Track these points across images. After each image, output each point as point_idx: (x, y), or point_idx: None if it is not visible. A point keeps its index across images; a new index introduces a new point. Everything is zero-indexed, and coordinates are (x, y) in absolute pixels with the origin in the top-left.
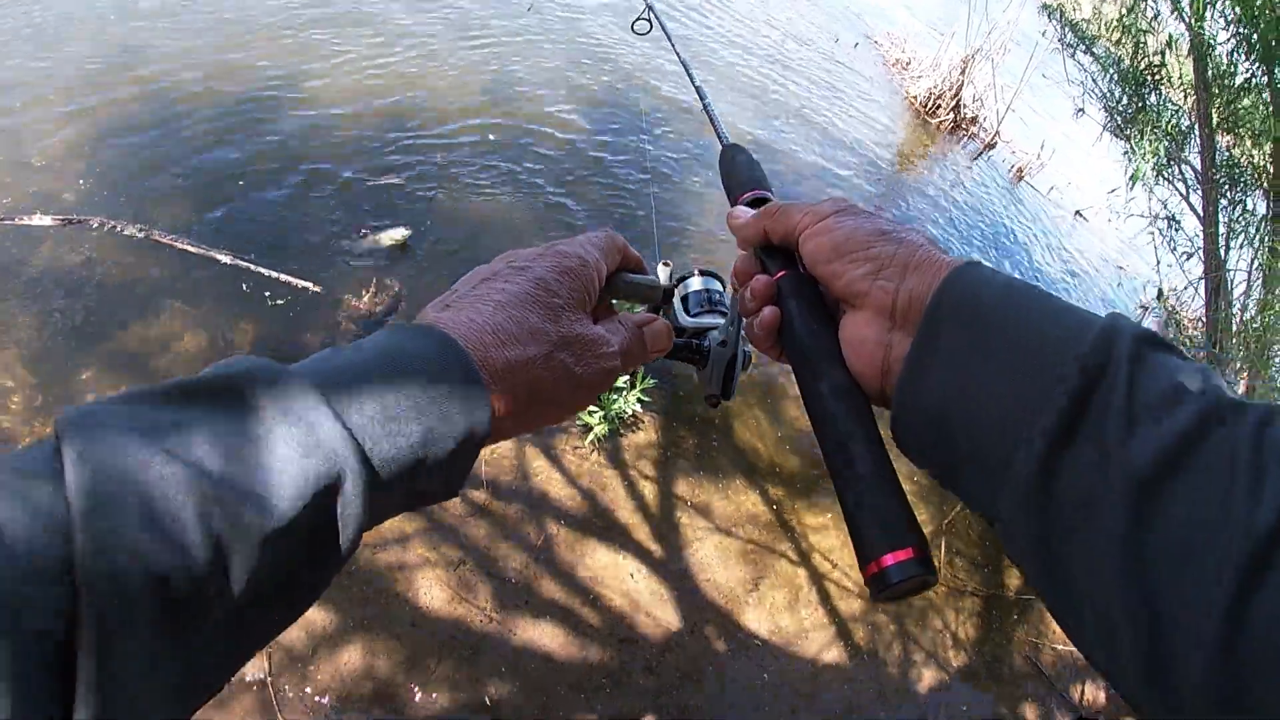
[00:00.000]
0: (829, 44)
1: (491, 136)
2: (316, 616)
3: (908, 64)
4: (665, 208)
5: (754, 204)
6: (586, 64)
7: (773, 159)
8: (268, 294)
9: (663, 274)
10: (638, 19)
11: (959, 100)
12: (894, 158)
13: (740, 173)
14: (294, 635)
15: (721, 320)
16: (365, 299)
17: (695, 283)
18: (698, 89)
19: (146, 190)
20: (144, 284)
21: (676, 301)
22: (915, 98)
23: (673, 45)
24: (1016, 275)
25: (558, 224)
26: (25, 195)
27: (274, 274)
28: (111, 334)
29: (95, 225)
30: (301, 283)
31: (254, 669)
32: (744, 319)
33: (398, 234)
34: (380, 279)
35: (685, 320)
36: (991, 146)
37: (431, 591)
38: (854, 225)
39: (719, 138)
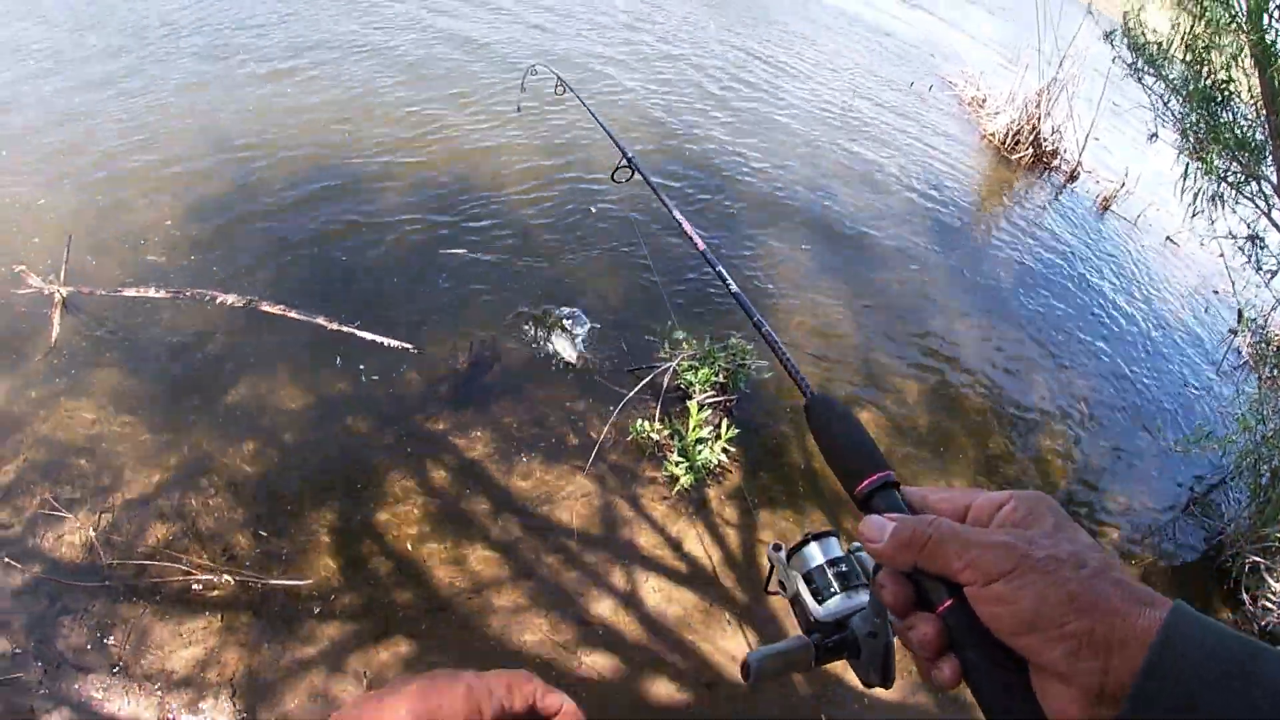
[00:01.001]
0: (904, 88)
1: (570, 207)
2: (415, 652)
3: (983, 101)
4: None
5: (881, 494)
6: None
7: (855, 206)
8: (365, 355)
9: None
10: (617, 168)
11: (1038, 134)
12: (976, 197)
13: (847, 449)
14: (393, 668)
15: (860, 597)
16: (461, 359)
17: (814, 555)
18: (743, 305)
19: (250, 262)
20: (248, 349)
21: (799, 586)
22: (994, 135)
23: (661, 199)
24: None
25: (636, 285)
26: (140, 268)
27: (371, 336)
28: (219, 396)
29: (204, 297)
30: (398, 344)
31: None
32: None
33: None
34: (472, 340)
35: (820, 612)
36: (1074, 178)
37: (524, 634)
38: (1037, 595)
39: (800, 389)
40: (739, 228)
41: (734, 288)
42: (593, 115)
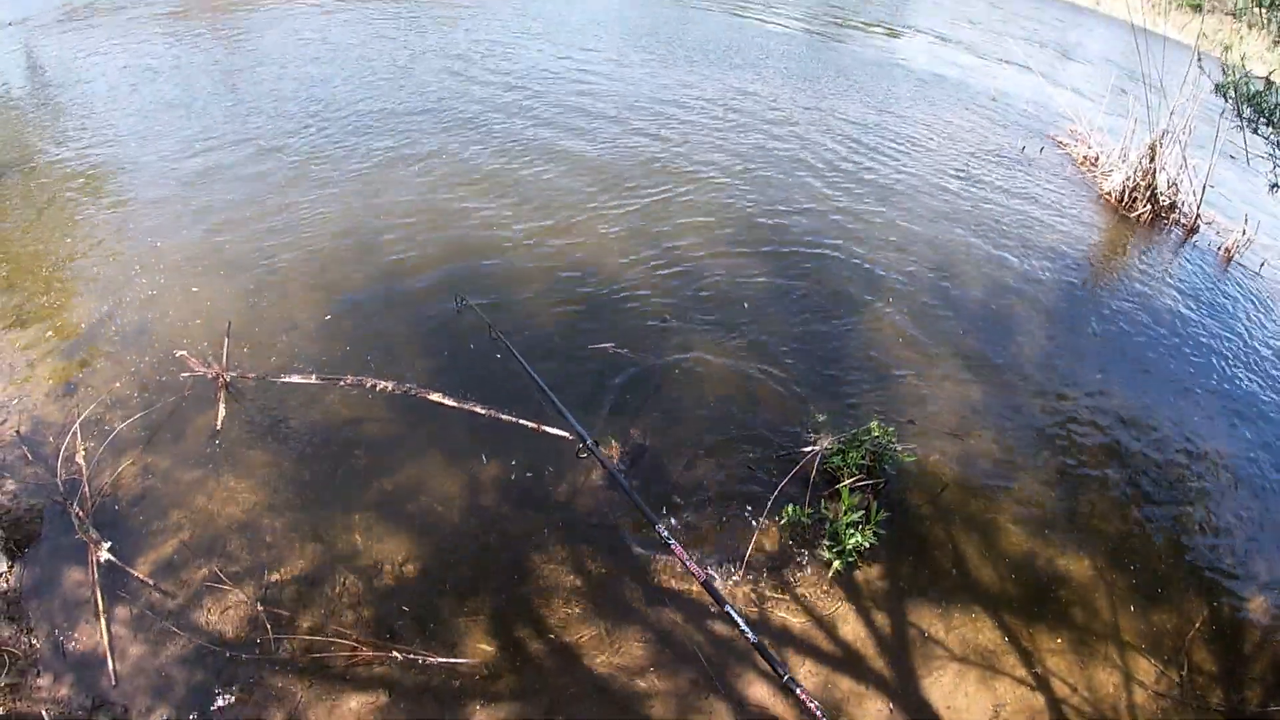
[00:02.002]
0: (1015, 153)
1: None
2: None
3: (1095, 160)
4: (814, 348)
5: None
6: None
7: (975, 276)
8: (519, 444)
9: None
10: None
11: (1154, 189)
12: (1096, 258)
13: None
14: None
15: None
16: (614, 447)
17: None
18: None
19: (403, 353)
20: (405, 436)
21: None
22: (1110, 194)
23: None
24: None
25: (772, 370)
26: (294, 356)
27: (522, 422)
28: (376, 480)
29: (361, 384)
30: (556, 431)
31: None
32: None
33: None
34: (627, 429)
35: None
36: (1194, 231)
37: (687, 716)
38: None
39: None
40: (859, 297)
41: (753, 638)
42: (616, 477)
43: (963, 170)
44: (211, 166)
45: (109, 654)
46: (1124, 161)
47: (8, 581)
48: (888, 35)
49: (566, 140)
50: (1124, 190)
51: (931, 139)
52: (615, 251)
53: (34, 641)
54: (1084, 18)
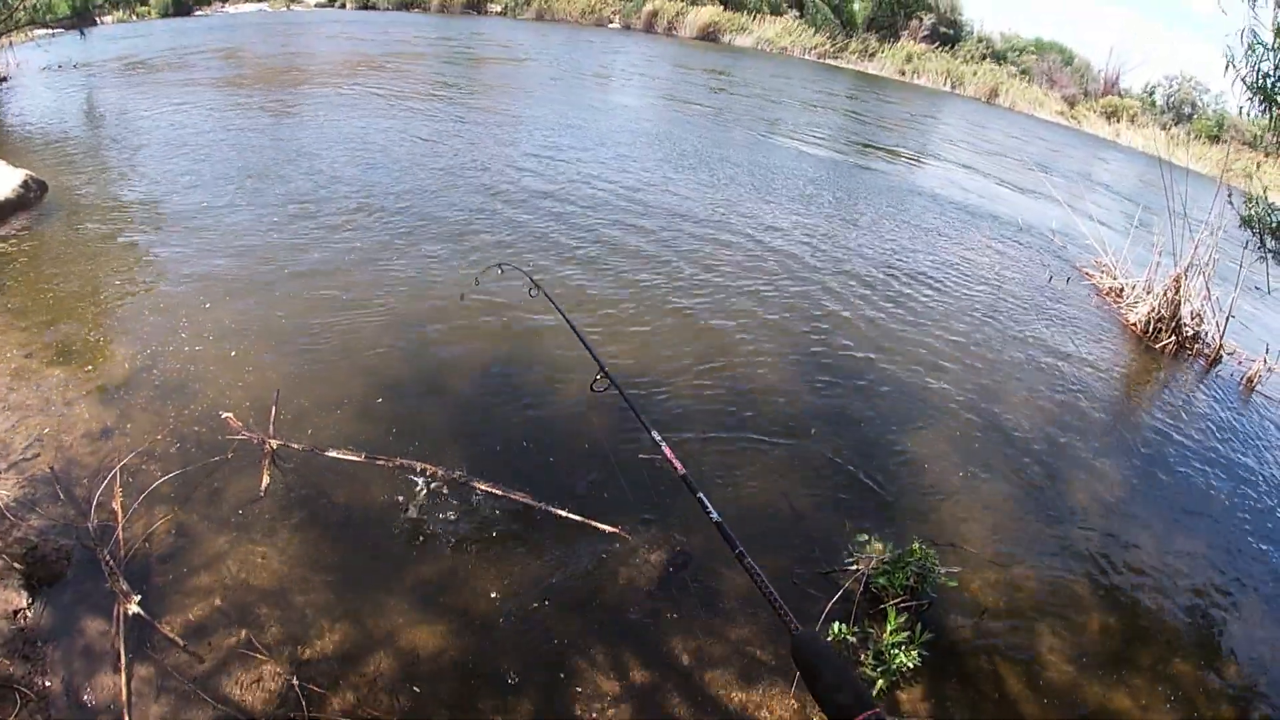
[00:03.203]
0: (1043, 282)
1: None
2: None
3: (1120, 291)
4: (862, 457)
5: None
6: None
7: (1002, 402)
8: (566, 537)
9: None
10: (595, 380)
11: (1178, 320)
12: (1121, 391)
13: (839, 683)
14: None
15: None
16: (664, 549)
17: None
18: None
19: (449, 439)
20: (446, 522)
21: None
22: (1135, 325)
23: (638, 416)
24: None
25: (810, 481)
26: (339, 433)
27: (569, 515)
28: (416, 565)
29: (409, 468)
30: (607, 528)
31: None
32: None
33: None
34: (671, 534)
35: None
36: (1216, 361)
37: None
38: None
39: (784, 622)
40: (895, 416)
41: (715, 516)
42: (573, 329)
43: (993, 298)
44: (264, 232)
45: (126, 709)
46: (1148, 293)
47: (26, 619)
48: (913, 162)
49: (606, 250)
50: (1148, 321)
51: (963, 266)
52: (659, 356)
53: (48, 684)
54: (1105, 149)
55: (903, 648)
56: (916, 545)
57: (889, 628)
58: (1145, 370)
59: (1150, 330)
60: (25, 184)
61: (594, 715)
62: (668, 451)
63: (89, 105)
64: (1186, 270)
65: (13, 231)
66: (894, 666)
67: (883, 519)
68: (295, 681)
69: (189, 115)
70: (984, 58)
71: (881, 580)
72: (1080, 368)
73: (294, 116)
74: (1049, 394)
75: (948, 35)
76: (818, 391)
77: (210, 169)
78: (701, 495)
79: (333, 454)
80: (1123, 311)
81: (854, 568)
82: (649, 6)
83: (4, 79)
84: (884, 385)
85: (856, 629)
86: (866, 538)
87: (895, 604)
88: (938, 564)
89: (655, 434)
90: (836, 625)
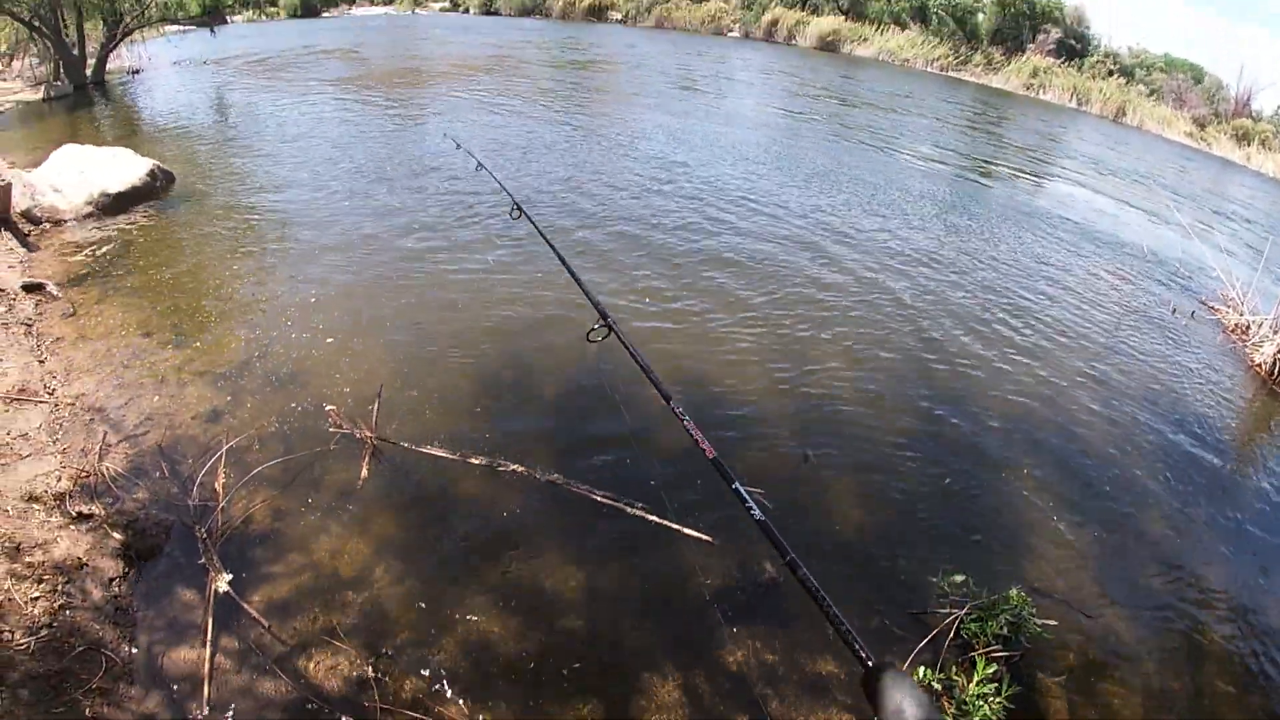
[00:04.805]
0: (1166, 314)
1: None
2: None
3: (1246, 329)
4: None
5: None
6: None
7: (1113, 444)
8: (658, 544)
9: None
10: (593, 329)
11: None
12: (1242, 438)
13: None
14: None
15: None
16: (756, 559)
17: None
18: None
19: (549, 443)
20: (539, 524)
21: None
22: (1260, 365)
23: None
24: None
25: (895, 513)
26: (440, 430)
27: (663, 521)
28: (502, 565)
29: (507, 468)
30: (695, 534)
31: None
32: None
33: None
34: (762, 562)
35: None
36: None
37: None
38: None
39: (857, 656)
40: (1000, 453)
41: (758, 515)
42: (576, 281)
43: (1111, 331)
44: (377, 232)
45: (207, 680)
46: (1275, 332)
47: (120, 588)
48: (1035, 182)
49: (725, 265)
50: (1275, 362)
51: (1081, 295)
52: (756, 375)
53: (133, 651)
54: (1236, 173)
55: (988, 699)
56: (1014, 592)
57: (976, 677)
58: (1268, 416)
59: (1276, 373)
60: (152, 173)
61: (658, 714)
62: (695, 432)
63: (217, 100)
64: None
65: (139, 218)
66: (977, 718)
67: (976, 561)
68: (370, 672)
69: (312, 113)
70: (1111, 73)
71: (974, 626)
72: (1199, 411)
73: (414, 117)
74: (1162, 438)
75: (1074, 49)
76: (917, 421)
77: (329, 168)
78: (739, 486)
79: (429, 450)
80: (1248, 351)
81: (946, 611)
82: (768, 15)
83: (138, 71)
84: (987, 419)
85: (942, 675)
86: (962, 579)
87: (985, 653)
88: (1034, 613)
89: (676, 407)
90: (921, 670)
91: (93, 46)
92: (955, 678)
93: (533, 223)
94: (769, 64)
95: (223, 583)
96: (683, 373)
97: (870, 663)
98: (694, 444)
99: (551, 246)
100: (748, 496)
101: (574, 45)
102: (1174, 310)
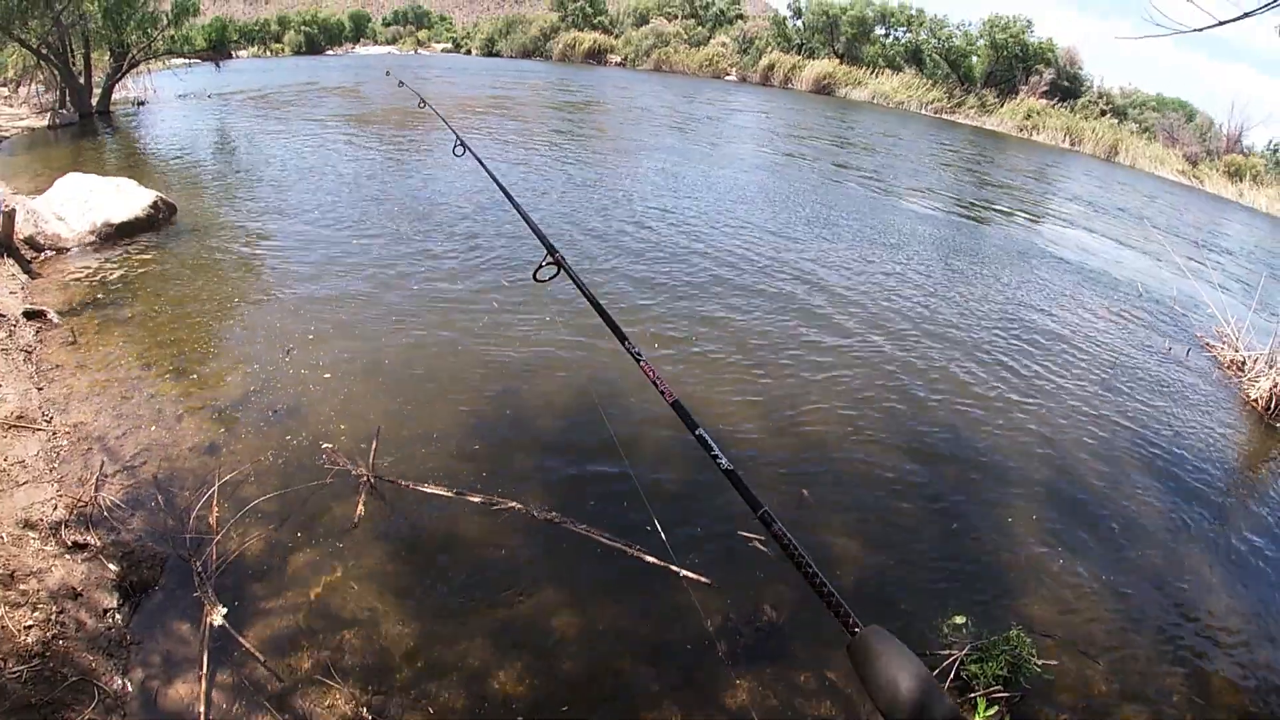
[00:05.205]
0: (1162, 352)
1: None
2: None
3: (1242, 365)
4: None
5: None
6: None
7: (1110, 483)
8: (654, 584)
9: None
10: (540, 265)
11: None
12: (1239, 474)
13: (913, 699)
14: None
15: None
16: (756, 600)
17: None
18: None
19: (542, 481)
20: (535, 564)
21: None
22: (1256, 401)
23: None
24: None
25: (902, 553)
26: (436, 470)
27: (661, 562)
28: (498, 606)
29: (504, 506)
30: (691, 574)
31: None
32: None
33: None
34: (760, 604)
35: None
36: None
37: None
38: None
39: (844, 623)
40: (998, 493)
41: (725, 464)
42: (522, 215)
43: (1107, 369)
44: (377, 269)
45: (203, 716)
46: (1270, 367)
47: (115, 619)
48: (1030, 222)
49: (717, 305)
50: (1271, 397)
51: (1077, 333)
52: (754, 416)
53: (126, 684)
54: (1228, 210)
55: None
56: (1014, 632)
57: (978, 718)
58: (1265, 450)
59: (1273, 407)
60: (155, 205)
61: None
62: (653, 374)
63: (220, 133)
64: None
65: (141, 249)
66: None
67: (975, 602)
68: (366, 713)
69: (314, 149)
70: (1103, 113)
71: (974, 667)
72: (1196, 448)
73: (413, 155)
74: (1160, 476)
75: (1067, 90)
76: (914, 461)
77: (331, 203)
78: (703, 432)
79: (426, 489)
80: (1244, 386)
81: (946, 653)
82: (765, 60)
83: (143, 102)
84: (985, 456)
85: None
86: (963, 620)
87: (986, 693)
88: (1034, 654)
89: (631, 346)
90: None
91: (99, 76)
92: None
93: (477, 158)
94: (766, 107)
95: (218, 616)
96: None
97: (857, 629)
98: (657, 391)
99: (497, 183)
100: (714, 445)
101: (569, 88)
102: (1169, 348)
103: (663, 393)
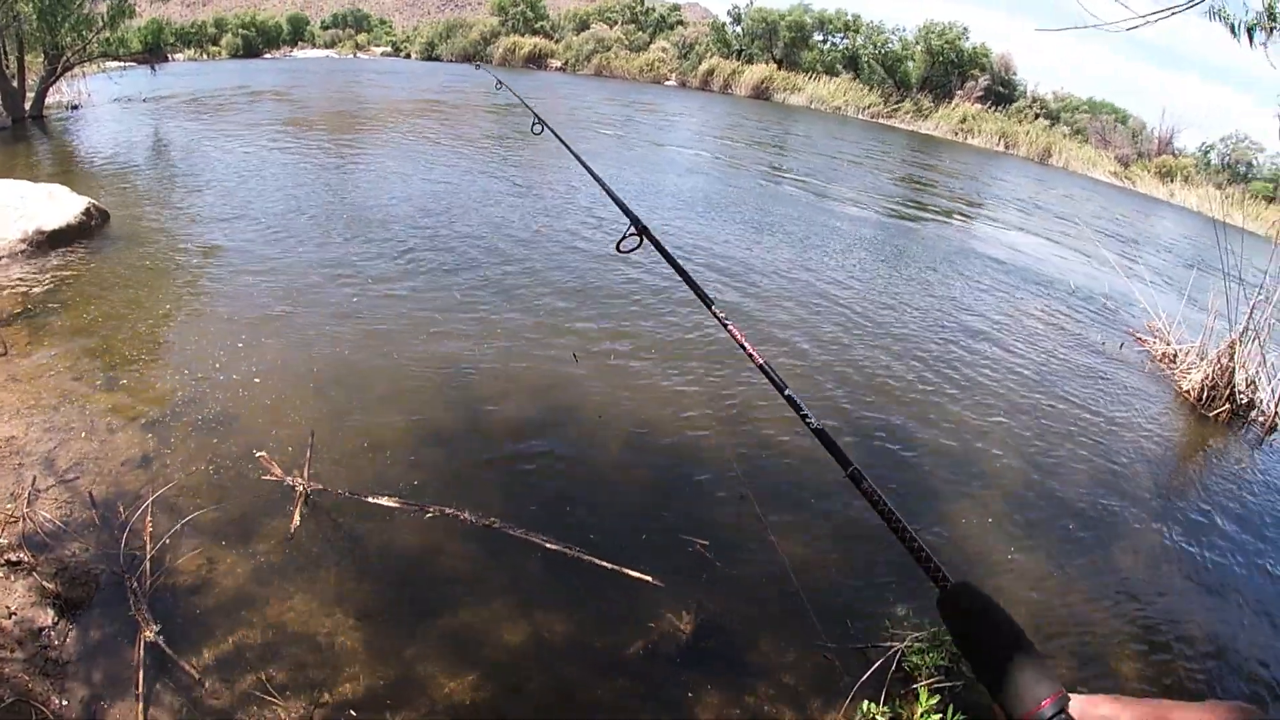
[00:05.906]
0: (1096, 347)
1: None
2: None
3: (1174, 357)
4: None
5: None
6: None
7: (1049, 474)
8: (599, 586)
9: None
10: (624, 236)
11: (1233, 388)
12: (1173, 461)
13: (1009, 661)
14: None
15: None
16: (696, 603)
17: None
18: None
19: (483, 487)
20: (477, 571)
21: None
22: (1189, 392)
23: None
24: None
25: (851, 548)
26: (373, 478)
27: (607, 564)
28: (442, 614)
29: (441, 513)
30: (639, 576)
31: None
32: None
33: None
34: (701, 602)
35: None
36: (1272, 429)
37: None
38: None
39: (932, 577)
40: (938, 488)
41: (814, 423)
42: (603, 185)
43: (1043, 363)
44: (311, 274)
45: None
46: (1201, 359)
47: (50, 638)
48: (964, 223)
49: (644, 318)
50: (1202, 388)
51: (1012, 330)
52: (696, 417)
53: (64, 704)
54: (1159, 209)
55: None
56: None
57: (920, 709)
58: (1198, 440)
59: (1204, 398)
60: (88, 211)
61: None
62: (739, 336)
63: (155, 138)
64: (1241, 335)
65: (72, 257)
66: None
67: (922, 592)
68: None
69: (250, 153)
70: (1037, 117)
71: (915, 659)
72: (1131, 437)
73: (349, 159)
74: (1097, 465)
75: (1002, 95)
76: (863, 457)
77: (266, 208)
78: (791, 394)
79: (365, 497)
80: (1176, 378)
81: (887, 645)
82: (704, 65)
83: (77, 107)
84: (926, 452)
85: (887, 708)
86: (904, 611)
87: (928, 684)
88: None
89: (720, 311)
90: (866, 704)
91: (32, 79)
92: (900, 710)
93: (559, 138)
94: (705, 111)
95: (151, 634)
96: (617, 412)
97: (947, 584)
98: (745, 355)
99: (579, 160)
100: (802, 405)
101: (511, 92)
102: (1103, 342)
103: (750, 355)
